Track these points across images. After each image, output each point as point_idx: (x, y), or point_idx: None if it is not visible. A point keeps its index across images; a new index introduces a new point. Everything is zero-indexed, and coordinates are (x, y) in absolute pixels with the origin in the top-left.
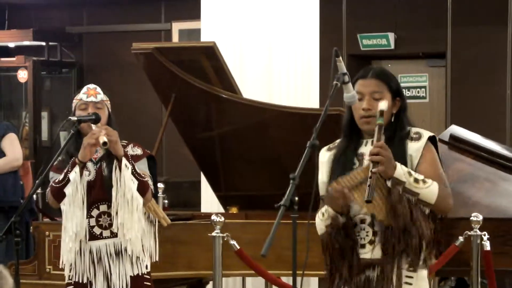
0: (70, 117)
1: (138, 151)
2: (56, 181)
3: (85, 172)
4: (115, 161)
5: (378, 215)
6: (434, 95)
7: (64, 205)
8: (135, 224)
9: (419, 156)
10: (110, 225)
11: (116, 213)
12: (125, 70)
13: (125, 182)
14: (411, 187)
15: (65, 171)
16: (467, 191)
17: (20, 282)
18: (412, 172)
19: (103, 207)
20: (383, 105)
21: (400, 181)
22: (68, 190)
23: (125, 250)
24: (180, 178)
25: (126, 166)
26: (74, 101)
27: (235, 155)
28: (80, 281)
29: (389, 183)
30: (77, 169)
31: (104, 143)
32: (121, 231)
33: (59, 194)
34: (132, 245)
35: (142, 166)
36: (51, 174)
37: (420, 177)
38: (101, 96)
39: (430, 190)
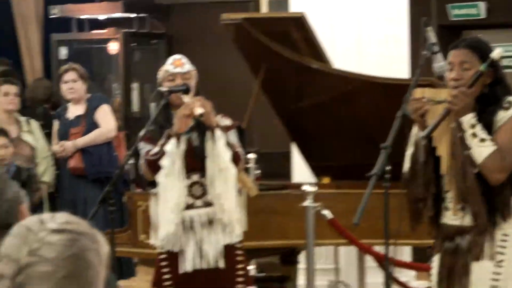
0: (160, 88)
1: (227, 122)
2: (151, 153)
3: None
4: (208, 132)
5: (441, 152)
6: None
7: (161, 177)
8: (230, 194)
9: (502, 123)
10: (203, 194)
11: (211, 183)
12: (214, 41)
13: (219, 153)
14: (467, 139)
15: (160, 143)
16: None
17: (116, 250)
18: (478, 128)
19: (195, 177)
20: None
21: (462, 127)
22: (164, 162)
23: (219, 219)
24: (271, 148)
25: (219, 137)
26: (160, 72)
27: (326, 125)
28: (173, 251)
29: (452, 125)
30: (173, 141)
31: (200, 115)
32: (217, 201)
33: (155, 166)
34: (227, 215)
35: (232, 137)
36: (142, 145)
37: (482, 135)
38: (188, 66)
39: (481, 150)
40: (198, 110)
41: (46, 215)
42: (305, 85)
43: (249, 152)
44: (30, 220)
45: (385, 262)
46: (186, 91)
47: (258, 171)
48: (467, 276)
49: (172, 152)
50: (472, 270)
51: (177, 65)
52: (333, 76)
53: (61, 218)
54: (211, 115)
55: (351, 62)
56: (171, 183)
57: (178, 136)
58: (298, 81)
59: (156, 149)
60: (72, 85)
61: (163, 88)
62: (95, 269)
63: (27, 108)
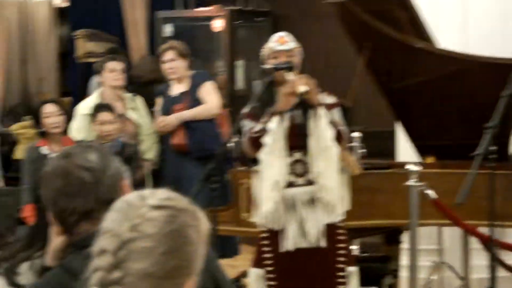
0: (264, 65)
1: (331, 99)
2: (254, 130)
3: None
4: (311, 110)
5: None
6: None
7: (263, 155)
8: (333, 173)
9: None
10: (305, 172)
11: (313, 162)
12: (318, 19)
13: (321, 131)
14: None
15: (262, 120)
16: None
17: (218, 228)
18: None
19: (297, 155)
20: None
21: None
22: (267, 139)
23: (321, 198)
24: (376, 127)
25: (322, 115)
26: (264, 50)
27: (431, 105)
28: (274, 229)
29: None
30: (276, 118)
31: (303, 93)
32: (319, 179)
33: (257, 144)
34: (329, 193)
35: (336, 115)
36: (245, 122)
37: None
38: (292, 44)
39: None
40: (302, 88)
41: (147, 191)
42: (409, 64)
43: (354, 131)
44: (132, 196)
45: (489, 244)
46: (290, 68)
47: (363, 150)
48: None
49: (275, 129)
50: None
51: (281, 42)
52: (437, 56)
53: (162, 194)
54: (315, 93)
55: (456, 41)
56: (272, 161)
57: (281, 114)
58: (402, 60)
59: (259, 126)
60: (171, 64)
61: (267, 66)
62: (194, 246)
63: (133, 84)
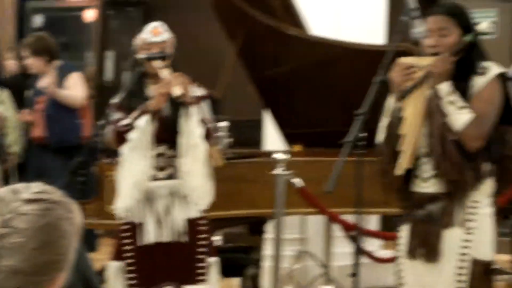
0: (137, 55)
1: (202, 91)
2: (121, 124)
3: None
4: (183, 108)
5: (406, 112)
6: (504, 32)
7: (126, 150)
8: (199, 171)
9: (478, 89)
10: (167, 167)
11: (181, 160)
12: (192, 8)
13: (191, 129)
14: (444, 106)
15: (132, 115)
16: None
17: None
18: (455, 95)
19: (161, 148)
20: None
21: (439, 94)
22: (133, 135)
23: (184, 194)
24: (241, 116)
25: (193, 113)
26: (137, 40)
27: (301, 92)
28: (134, 222)
29: (429, 92)
30: (146, 117)
31: (178, 96)
32: (185, 178)
33: (121, 138)
34: (195, 192)
35: (205, 108)
36: (113, 112)
37: (459, 103)
38: (166, 35)
39: (459, 117)
40: (177, 91)
41: (20, 185)
42: (281, 51)
43: (220, 120)
44: (3, 191)
45: (356, 231)
46: (163, 58)
47: (230, 139)
48: (439, 243)
49: (143, 128)
50: (444, 238)
51: (154, 34)
52: (310, 43)
53: (36, 188)
54: (189, 94)
55: (329, 28)
56: (135, 158)
57: (152, 113)
58: (275, 47)
59: (127, 120)
60: (27, 61)
61: (140, 55)
62: (68, 239)
63: None
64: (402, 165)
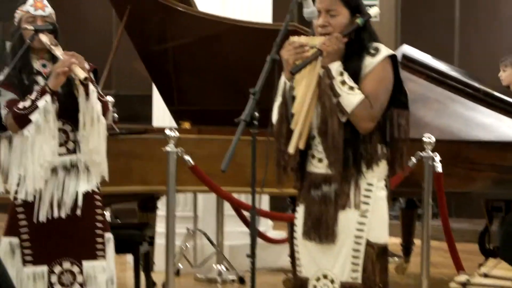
0: (26, 26)
1: (87, 65)
2: (21, 107)
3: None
4: (80, 86)
5: (297, 91)
6: (385, 15)
7: (29, 132)
8: (102, 146)
9: (369, 70)
10: (66, 142)
11: (84, 137)
12: None
13: (92, 107)
14: (336, 86)
15: (31, 97)
16: (418, 112)
17: None
18: (346, 75)
19: (58, 124)
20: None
21: (331, 74)
22: (35, 117)
23: (83, 167)
24: (130, 91)
25: (93, 90)
26: (18, 12)
27: (189, 69)
28: (29, 200)
29: (321, 72)
30: (48, 97)
31: (85, 78)
32: (90, 155)
33: (24, 121)
34: (98, 166)
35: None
36: (1, 90)
37: (351, 83)
38: (49, 9)
39: (350, 98)
40: (81, 75)
41: None
42: (169, 27)
43: (107, 95)
44: None
45: (251, 212)
46: (53, 31)
47: (115, 115)
48: (334, 225)
49: (46, 109)
50: (339, 220)
51: (38, 7)
52: (198, 19)
53: None
54: (88, 72)
55: (216, 4)
56: (42, 140)
57: (53, 93)
58: (162, 22)
59: (27, 103)
60: None
61: (29, 26)
62: None
63: None
64: (293, 144)
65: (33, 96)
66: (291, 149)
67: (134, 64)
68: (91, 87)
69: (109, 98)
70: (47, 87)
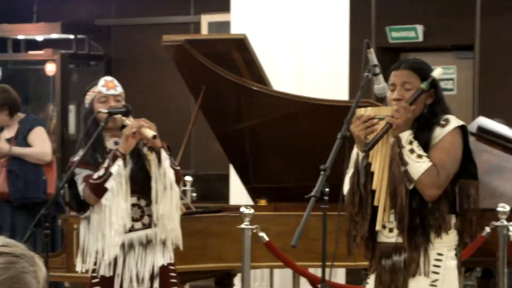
0: (101, 109)
1: (162, 143)
2: (95, 177)
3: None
4: (153, 153)
5: (374, 167)
6: (462, 88)
7: (106, 200)
8: (174, 214)
9: (438, 140)
10: (142, 217)
11: (156, 204)
12: (154, 63)
13: (165, 173)
14: (405, 155)
15: (104, 165)
16: (494, 182)
17: (49, 274)
18: (415, 144)
19: (132, 199)
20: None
21: (400, 144)
22: (111, 184)
23: (158, 241)
24: (208, 171)
25: (165, 157)
26: (90, 93)
27: (265, 147)
28: (107, 275)
29: (391, 141)
30: (120, 162)
31: (154, 136)
32: (161, 221)
33: (101, 190)
34: (171, 235)
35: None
36: (78, 170)
37: (419, 151)
38: (120, 88)
39: (418, 166)
40: (152, 132)
41: None
42: (244, 106)
43: (186, 175)
44: None
45: (322, 284)
46: (127, 113)
47: (194, 194)
48: None
49: (119, 173)
50: (409, 287)
51: (110, 87)
52: (273, 98)
53: None
54: (158, 137)
55: (292, 83)
56: (116, 205)
57: (124, 157)
58: (237, 102)
59: (101, 171)
60: None
61: (103, 110)
62: None
63: None
64: (379, 221)
65: (105, 164)
66: (378, 226)
67: (211, 143)
68: (164, 154)
69: (188, 178)
70: (118, 152)
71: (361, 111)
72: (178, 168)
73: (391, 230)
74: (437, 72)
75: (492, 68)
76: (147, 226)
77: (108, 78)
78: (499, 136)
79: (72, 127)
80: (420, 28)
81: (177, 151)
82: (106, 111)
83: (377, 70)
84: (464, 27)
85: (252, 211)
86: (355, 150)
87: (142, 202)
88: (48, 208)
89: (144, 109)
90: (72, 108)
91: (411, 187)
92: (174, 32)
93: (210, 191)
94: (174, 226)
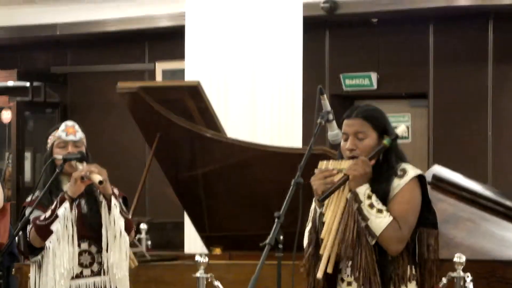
0: (55, 156)
1: (115, 190)
2: (42, 218)
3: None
4: (103, 200)
5: (326, 216)
6: (417, 136)
7: (51, 242)
8: (124, 263)
9: (397, 192)
10: (91, 263)
11: (106, 252)
12: (109, 110)
13: (114, 221)
14: (364, 210)
15: (51, 207)
16: (450, 232)
17: None
18: (374, 198)
19: (83, 245)
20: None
21: (358, 198)
22: (56, 226)
23: None
24: (163, 218)
25: (115, 204)
26: (51, 137)
27: (219, 195)
28: None
29: (348, 196)
30: (66, 204)
31: (100, 182)
32: (111, 270)
33: (46, 232)
34: (121, 284)
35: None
36: (35, 211)
37: (379, 206)
38: (80, 134)
39: (379, 221)
40: (99, 177)
41: None
42: (198, 153)
43: (141, 222)
44: None
45: None
46: (81, 159)
47: (149, 242)
48: None
49: (65, 216)
50: None
51: (70, 132)
52: (226, 145)
53: None
54: (108, 182)
55: (246, 129)
56: (61, 248)
57: (71, 200)
58: (191, 149)
59: (47, 213)
60: None
61: (58, 156)
62: None
63: None
64: (321, 269)
65: (53, 206)
66: (319, 274)
67: (166, 191)
68: (114, 201)
69: (143, 226)
70: (66, 194)
71: (322, 164)
72: (129, 217)
73: (349, 283)
74: (400, 129)
75: (446, 116)
76: (96, 273)
77: (69, 123)
78: (454, 185)
79: (27, 175)
80: (374, 76)
81: (132, 199)
82: (61, 157)
83: (330, 116)
84: (418, 75)
85: (206, 259)
86: (313, 204)
87: (93, 249)
88: (2, 256)
89: (100, 156)
90: (28, 155)
91: (373, 242)
92: (129, 79)
93: (165, 239)
94: (123, 276)
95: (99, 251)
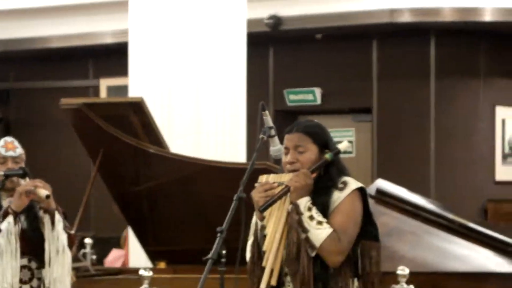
0: None
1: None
2: None
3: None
4: (46, 215)
5: (268, 229)
6: (361, 150)
7: None
8: (67, 278)
9: (337, 204)
10: (31, 279)
11: (48, 267)
12: (53, 126)
13: (58, 237)
14: (304, 222)
15: None
16: (393, 245)
17: None
18: (314, 210)
19: (23, 261)
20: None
21: (299, 210)
22: (0, 240)
23: None
24: (107, 233)
25: (59, 220)
26: None
27: (163, 210)
28: None
29: (289, 208)
30: (10, 219)
31: (47, 196)
32: (53, 285)
33: None
34: None
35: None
36: None
37: (319, 218)
38: (19, 150)
39: (319, 233)
40: (45, 192)
41: None
42: (142, 169)
43: (85, 237)
44: None
45: None
46: (24, 175)
47: (94, 256)
48: None
49: (8, 230)
50: None
51: (9, 148)
52: (170, 160)
53: None
54: (51, 198)
55: (190, 145)
56: (5, 263)
57: (15, 214)
58: (135, 165)
59: None
60: None
61: (0, 172)
62: None
63: None
64: (264, 281)
65: None
66: (262, 286)
67: (114, 207)
68: (57, 216)
69: (88, 240)
70: (10, 208)
71: (263, 178)
72: (72, 232)
73: None
74: (343, 145)
75: (390, 130)
76: None
77: (9, 139)
78: (398, 198)
79: None
80: (318, 91)
81: (76, 214)
82: (2, 173)
83: (273, 132)
84: (362, 90)
85: (151, 273)
86: (254, 218)
87: (33, 265)
88: None
89: (43, 172)
90: None
91: (313, 254)
92: (74, 95)
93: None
94: None
95: (40, 267)
